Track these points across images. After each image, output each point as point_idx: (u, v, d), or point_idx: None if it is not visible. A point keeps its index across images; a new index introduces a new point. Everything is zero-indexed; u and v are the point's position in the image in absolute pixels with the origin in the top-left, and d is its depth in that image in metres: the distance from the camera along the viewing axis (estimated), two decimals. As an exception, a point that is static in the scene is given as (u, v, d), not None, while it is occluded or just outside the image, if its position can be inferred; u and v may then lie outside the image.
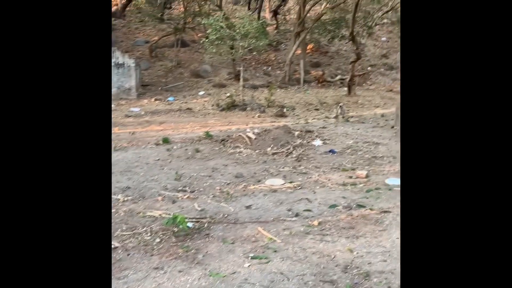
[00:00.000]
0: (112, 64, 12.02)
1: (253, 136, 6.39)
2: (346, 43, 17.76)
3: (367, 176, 4.66)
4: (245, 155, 5.88)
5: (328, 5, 16.31)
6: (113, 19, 15.90)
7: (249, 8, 9.99)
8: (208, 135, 6.82)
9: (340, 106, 9.79)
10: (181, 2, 16.88)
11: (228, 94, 12.20)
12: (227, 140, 6.55)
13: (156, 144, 6.43)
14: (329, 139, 6.88)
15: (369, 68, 18.37)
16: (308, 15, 16.95)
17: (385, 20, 21.05)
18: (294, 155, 5.79)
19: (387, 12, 18.58)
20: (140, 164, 5.32)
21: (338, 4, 15.71)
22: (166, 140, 6.59)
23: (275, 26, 17.51)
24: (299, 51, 17.05)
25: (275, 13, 10.68)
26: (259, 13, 9.84)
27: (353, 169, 5.02)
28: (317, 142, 6.53)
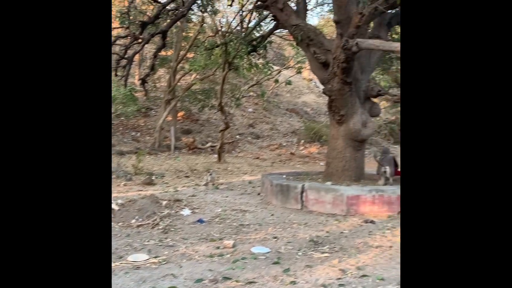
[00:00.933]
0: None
1: (116, 208, 5.97)
2: (215, 112, 18.53)
3: (234, 246, 4.66)
4: (106, 228, 5.41)
5: (198, 76, 17.03)
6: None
7: (116, 75, 9.82)
8: (64, 207, 6.15)
9: (210, 173, 9.92)
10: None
11: (91, 161, 11.39)
12: (87, 213, 5.98)
13: None
14: (198, 208, 6.81)
15: (237, 136, 19.31)
16: (178, 83, 17.37)
17: (251, 93, 22.77)
18: (161, 227, 5.54)
19: (252, 85, 20.16)
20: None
21: (208, 76, 16.52)
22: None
23: (144, 92, 17.48)
24: (170, 118, 17.13)
25: (143, 81, 10.68)
26: (126, 79, 9.72)
27: (221, 239, 4.98)
28: (186, 212, 6.40)
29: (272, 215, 6.39)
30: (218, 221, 5.97)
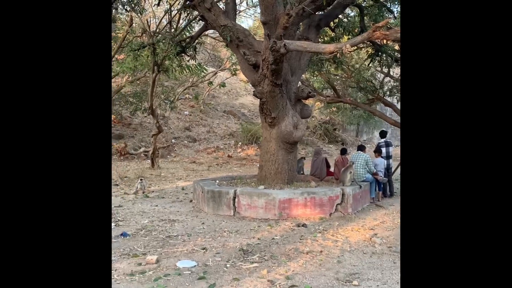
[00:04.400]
0: None
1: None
2: (145, 116, 17.82)
3: (157, 261, 4.32)
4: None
5: (128, 78, 16.25)
6: None
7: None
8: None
9: (141, 180, 9.41)
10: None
11: None
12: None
13: None
14: (123, 220, 6.34)
15: (173, 140, 18.72)
16: (107, 86, 16.47)
17: (187, 95, 22.25)
18: (78, 244, 5.04)
19: (188, 88, 19.68)
20: None
21: (138, 78, 15.82)
22: None
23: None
24: (98, 123, 16.16)
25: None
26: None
27: (144, 254, 4.61)
28: (109, 225, 5.92)
29: (202, 223, 6.11)
30: (144, 233, 5.57)
